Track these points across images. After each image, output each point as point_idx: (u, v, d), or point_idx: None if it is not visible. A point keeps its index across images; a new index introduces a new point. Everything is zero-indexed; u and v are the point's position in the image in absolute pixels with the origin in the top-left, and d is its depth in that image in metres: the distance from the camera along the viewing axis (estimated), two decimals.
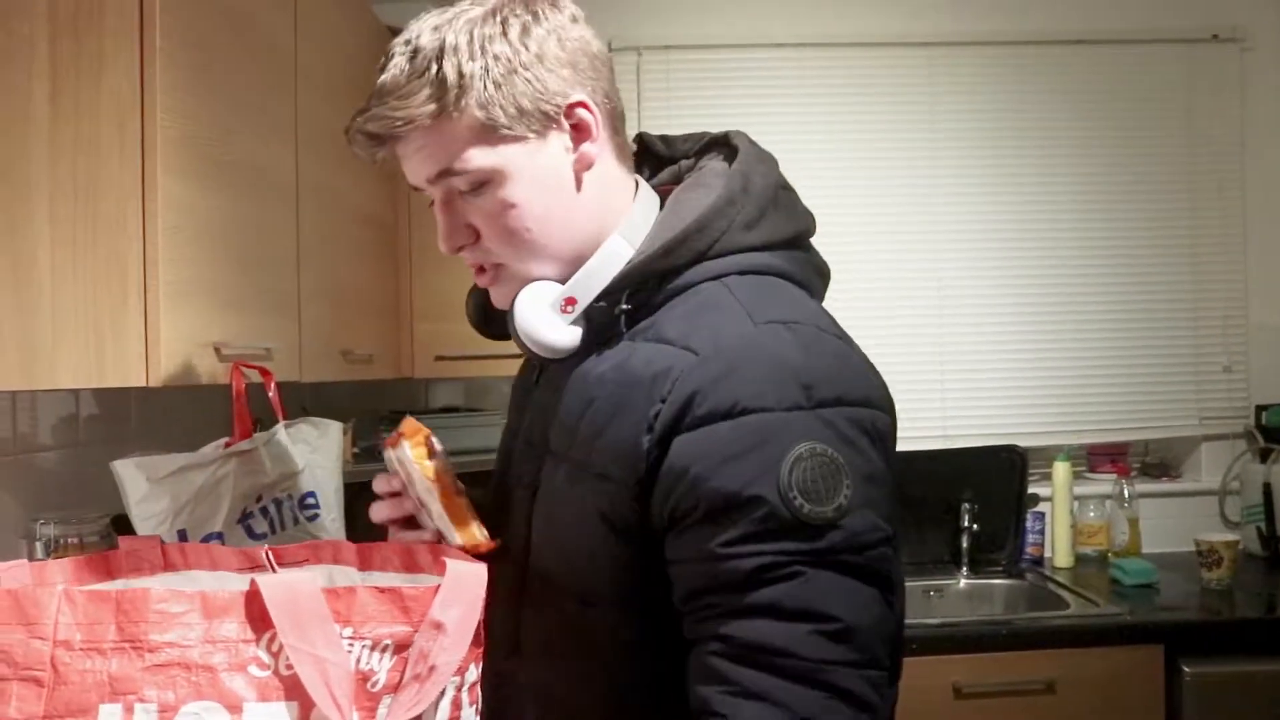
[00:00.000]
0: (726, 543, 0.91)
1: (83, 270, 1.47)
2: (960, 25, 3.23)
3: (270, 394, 1.68)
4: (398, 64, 1.02)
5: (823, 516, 0.90)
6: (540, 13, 1.04)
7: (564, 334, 1.05)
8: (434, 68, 1.00)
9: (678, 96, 3.18)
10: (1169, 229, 3.25)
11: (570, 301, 1.05)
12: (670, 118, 3.14)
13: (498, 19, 1.02)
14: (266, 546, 1.15)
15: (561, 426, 1.06)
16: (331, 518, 1.72)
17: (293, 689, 0.79)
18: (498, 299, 1.12)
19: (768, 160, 1.15)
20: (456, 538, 1.10)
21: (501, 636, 1.09)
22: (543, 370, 1.16)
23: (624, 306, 1.05)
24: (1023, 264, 3.24)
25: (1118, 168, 3.25)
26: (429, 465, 1.11)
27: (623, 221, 1.08)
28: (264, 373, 1.71)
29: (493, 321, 1.20)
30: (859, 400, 0.97)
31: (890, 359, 3.10)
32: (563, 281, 1.07)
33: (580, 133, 1.05)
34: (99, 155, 1.47)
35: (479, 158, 1.02)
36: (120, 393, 2.10)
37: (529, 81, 1.01)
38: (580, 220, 1.07)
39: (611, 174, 1.10)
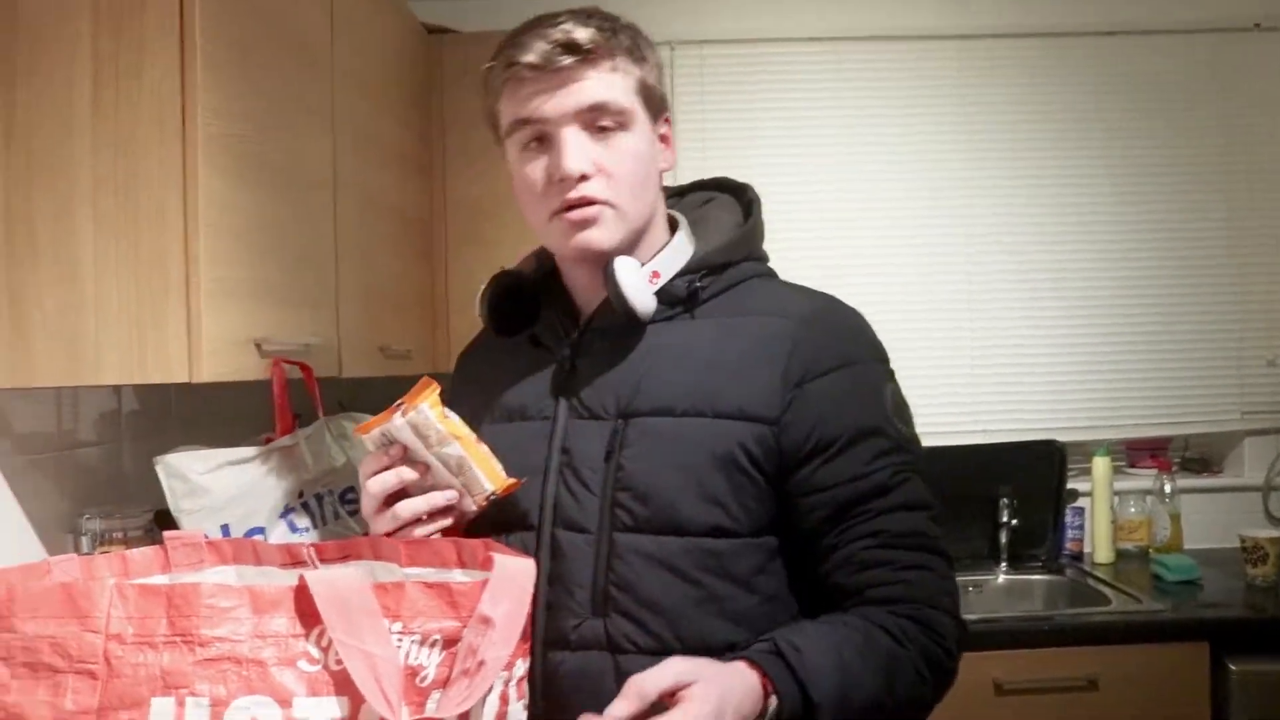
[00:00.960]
0: (867, 461, 1.16)
1: (125, 267, 1.49)
2: (992, 18, 3.19)
3: (310, 389, 1.69)
4: (583, 19, 1.20)
5: (910, 436, 1.21)
6: (654, 47, 1.29)
7: (651, 301, 1.22)
8: (618, 34, 1.21)
9: (711, 91, 3.17)
10: (1208, 220, 3.21)
11: (656, 275, 1.23)
12: (704, 112, 3.13)
13: (637, 27, 1.26)
14: (309, 542, 1.15)
15: (673, 388, 1.19)
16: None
17: (343, 684, 0.80)
18: (586, 235, 1.21)
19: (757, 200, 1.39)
20: (488, 483, 1.16)
21: (572, 604, 1.17)
22: (577, 356, 1.26)
23: (699, 284, 1.24)
24: (1059, 256, 3.20)
25: (1155, 159, 3.20)
26: (452, 419, 1.16)
27: (660, 222, 1.30)
28: (304, 368, 1.72)
29: (503, 318, 1.33)
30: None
31: (926, 352, 3.09)
32: (622, 252, 1.22)
33: (664, 143, 1.29)
34: (140, 152, 1.48)
35: (629, 102, 1.21)
36: (161, 389, 2.12)
37: (660, 80, 1.26)
38: (654, 202, 1.27)
39: (663, 184, 1.31)
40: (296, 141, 1.85)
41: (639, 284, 1.20)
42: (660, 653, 1.11)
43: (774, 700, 1.01)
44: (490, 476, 1.17)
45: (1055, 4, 3.20)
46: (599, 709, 1.09)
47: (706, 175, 1.46)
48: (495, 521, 1.21)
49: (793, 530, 1.18)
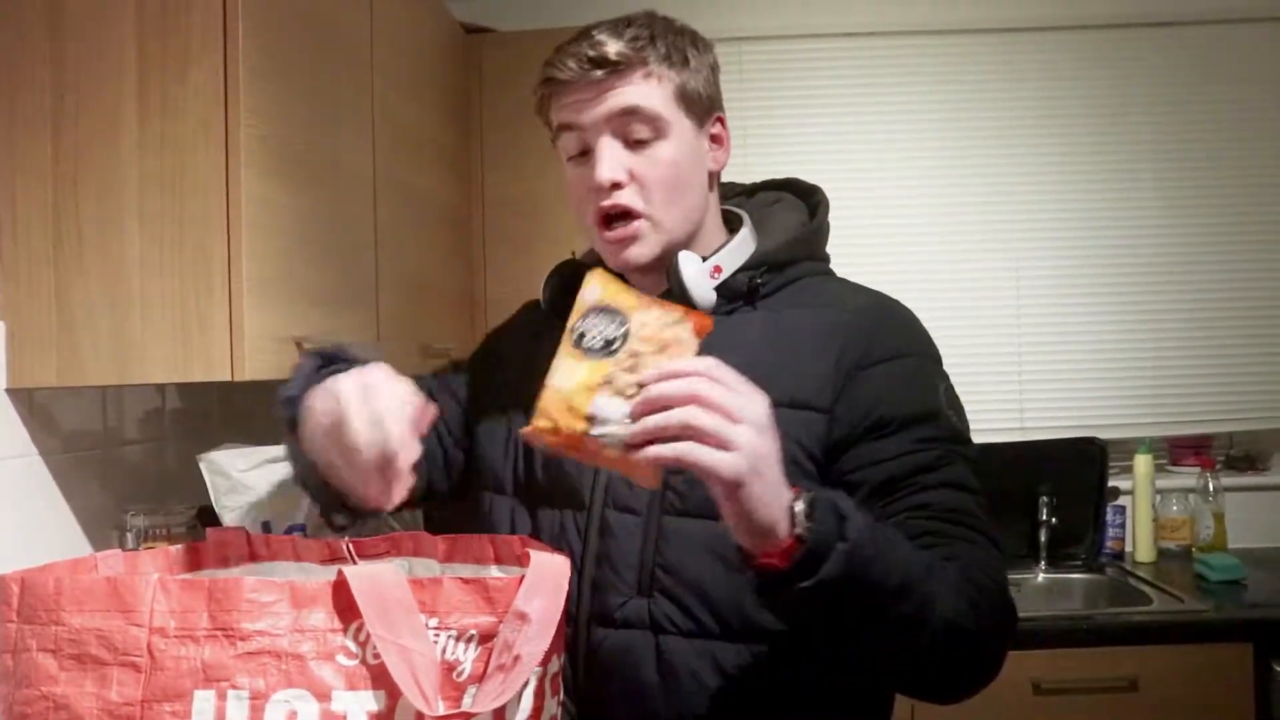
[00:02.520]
0: (921, 440, 1.17)
1: (170, 267, 1.51)
2: (1039, 10, 3.16)
3: None
4: (620, 29, 1.21)
5: (962, 429, 1.22)
6: (705, 41, 1.30)
7: (712, 295, 1.24)
8: (655, 41, 1.22)
9: (751, 88, 3.17)
10: (1255, 215, 3.16)
11: (717, 270, 1.25)
12: (744, 107, 3.12)
13: (684, 30, 1.27)
14: (347, 539, 1.17)
15: None
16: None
17: (380, 678, 0.81)
18: (625, 254, 1.23)
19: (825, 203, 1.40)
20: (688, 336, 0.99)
21: (619, 584, 1.18)
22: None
23: (760, 280, 1.25)
24: (1102, 252, 3.17)
25: (1200, 154, 3.16)
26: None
27: (714, 221, 1.31)
28: None
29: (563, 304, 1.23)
30: None
31: (968, 349, 3.07)
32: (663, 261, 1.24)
33: (715, 142, 1.29)
34: (185, 154, 1.51)
35: (665, 109, 1.22)
36: (203, 387, 2.15)
37: (709, 82, 1.27)
38: (703, 206, 1.28)
39: (715, 185, 1.32)
40: (337, 141, 1.87)
41: (701, 278, 1.22)
42: (701, 635, 1.15)
43: (801, 504, 0.94)
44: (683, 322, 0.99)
45: None
46: (639, 686, 1.15)
47: (747, 172, 1.47)
48: (549, 497, 1.24)
49: None
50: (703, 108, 1.26)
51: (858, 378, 1.19)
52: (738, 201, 1.40)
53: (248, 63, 1.52)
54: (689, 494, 1.16)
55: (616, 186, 1.20)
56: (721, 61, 1.32)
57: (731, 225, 1.34)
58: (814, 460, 1.17)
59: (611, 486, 1.20)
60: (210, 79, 1.51)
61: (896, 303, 1.29)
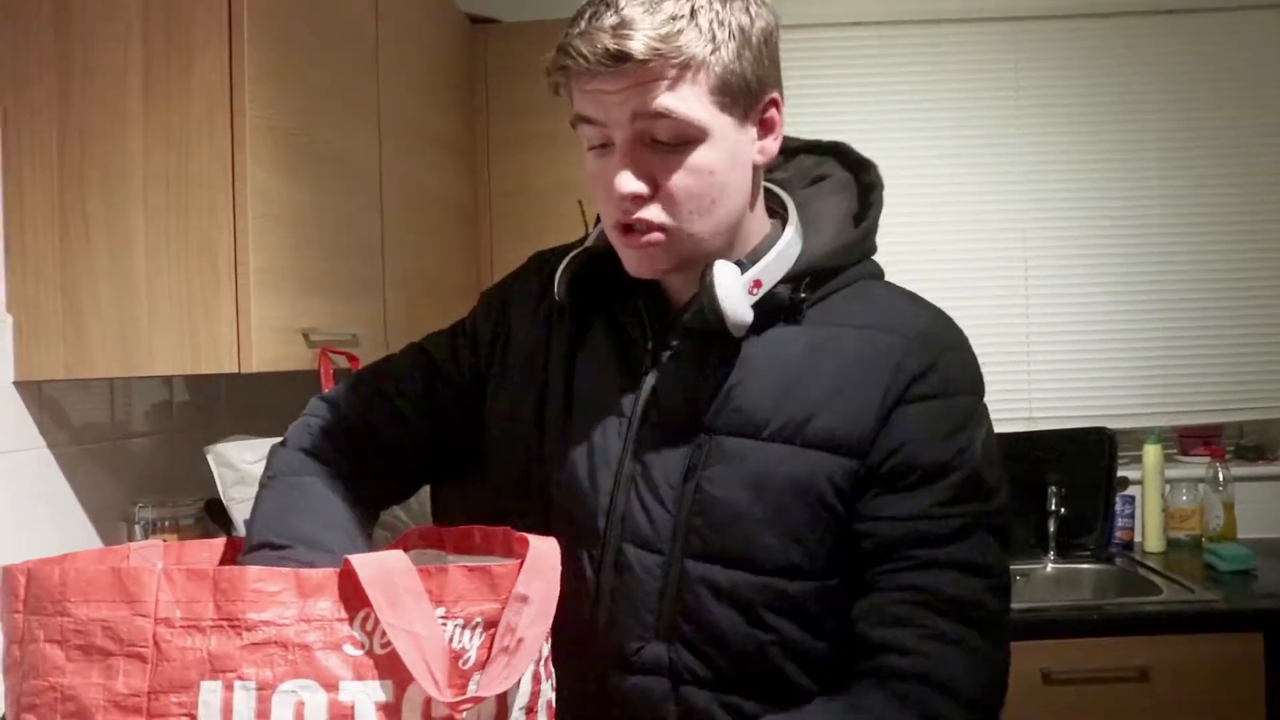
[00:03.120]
0: (938, 504, 1.04)
1: (176, 260, 1.51)
2: None
3: None
4: (651, 5, 1.00)
5: (993, 485, 1.08)
6: (764, 4, 1.07)
7: (748, 314, 1.07)
8: (696, 17, 1.00)
9: None
10: (1265, 203, 3.14)
11: (757, 284, 1.08)
12: None
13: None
14: None
15: (763, 407, 1.07)
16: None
17: (386, 667, 0.81)
18: (644, 264, 1.09)
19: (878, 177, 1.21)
20: None
21: (636, 626, 1.08)
22: (660, 352, 1.13)
23: (803, 295, 1.10)
24: (1111, 241, 3.16)
25: (1210, 142, 3.15)
26: None
27: (756, 214, 1.13)
28: (351, 359, 1.74)
29: (580, 296, 1.17)
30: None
31: (976, 339, 2.97)
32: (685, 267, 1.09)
33: (765, 129, 1.09)
34: (190, 147, 1.51)
35: (701, 112, 1.02)
36: (211, 379, 2.15)
37: (756, 62, 1.04)
38: (741, 207, 1.10)
39: (761, 175, 1.14)
40: (342, 133, 1.87)
41: (738, 295, 1.06)
42: (722, 689, 1.07)
43: None
44: None
45: None
46: None
47: (799, 142, 1.27)
48: (556, 527, 1.07)
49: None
50: (750, 95, 1.05)
51: (895, 413, 1.06)
52: (779, 178, 1.22)
53: (252, 55, 1.52)
54: (714, 537, 1.06)
55: (638, 199, 1.04)
56: None
57: (773, 209, 1.17)
58: (847, 506, 1.06)
59: (631, 518, 1.09)
60: (215, 71, 1.51)
61: (953, 325, 1.14)
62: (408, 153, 2.19)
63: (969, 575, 1.03)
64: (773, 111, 1.09)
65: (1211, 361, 3.15)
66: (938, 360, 1.08)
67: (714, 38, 1.01)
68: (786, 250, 1.11)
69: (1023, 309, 3.15)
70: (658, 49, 0.98)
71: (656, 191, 1.04)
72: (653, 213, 1.05)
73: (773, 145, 1.10)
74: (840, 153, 1.23)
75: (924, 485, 1.04)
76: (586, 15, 1.01)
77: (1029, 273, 3.15)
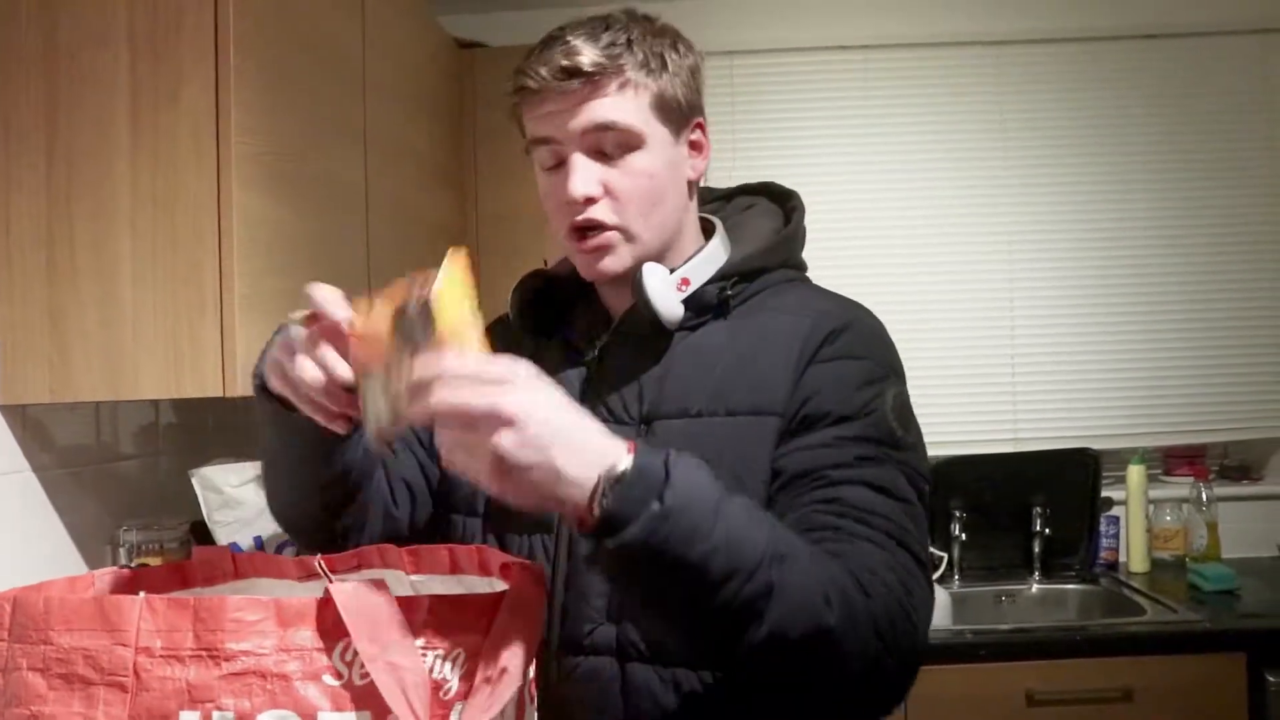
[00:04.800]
0: (848, 437, 1.12)
1: (162, 284, 1.52)
2: (1028, 23, 3.18)
3: None
4: (596, 33, 1.17)
5: (905, 440, 1.14)
6: (686, 41, 1.25)
7: (678, 308, 1.21)
8: (632, 47, 1.17)
9: (742, 101, 3.18)
10: (1245, 225, 3.17)
11: (685, 282, 1.22)
12: (734, 121, 3.14)
13: (665, 31, 1.23)
14: (319, 555, 1.16)
15: (692, 389, 1.18)
16: None
17: (365, 699, 0.81)
18: (599, 266, 1.21)
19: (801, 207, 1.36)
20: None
21: (589, 610, 1.15)
22: (602, 354, 1.25)
23: (729, 291, 1.23)
24: (1095, 263, 3.18)
25: (1192, 165, 3.18)
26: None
27: (690, 229, 1.28)
28: None
29: (534, 318, 1.31)
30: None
31: (961, 360, 3.07)
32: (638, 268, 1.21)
33: (694, 149, 1.26)
34: (177, 172, 1.52)
35: (641, 123, 1.18)
36: (197, 402, 2.15)
37: (688, 86, 1.22)
38: (679, 215, 1.25)
39: (694, 192, 1.29)
40: (329, 157, 1.87)
41: (666, 292, 1.19)
42: (665, 662, 1.12)
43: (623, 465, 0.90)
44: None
45: (1091, 8, 3.17)
46: (605, 714, 1.13)
47: (735, 186, 1.44)
48: (513, 520, 1.20)
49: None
50: (681, 115, 1.22)
51: (807, 372, 1.15)
52: (715, 207, 1.38)
53: (239, 80, 1.53)
54: None
55: (589, 201, 1.17)
56: (711, 75, 1.28)
57: (708, 233, 1.30)
58: (774, 467, 1.13)
59: None
60: (202, 96, 1.51)
61: (866, 311, 1.25)
62: (395, 176, 2.20)
63: (881, 495, 1.09)
64: (699, 134, 1.26)
65: (1195, 382, 3.17)
66: (847, 327, 1.19)
67: (648, 64, 1.18)
68: (713, 254, 1.25)
69: (1008, 330, 3.16)
70: (602, 64, 1.15)
71: (605, 196, 1.18)
72: (602, 212, 1.18)
73: (702, 163, 1.27)
74: (769, 190, 1.39)
75: (834, 425, 1.12)
76: (539, 47, 1.18)
77: (1013, 294, 3.17)
